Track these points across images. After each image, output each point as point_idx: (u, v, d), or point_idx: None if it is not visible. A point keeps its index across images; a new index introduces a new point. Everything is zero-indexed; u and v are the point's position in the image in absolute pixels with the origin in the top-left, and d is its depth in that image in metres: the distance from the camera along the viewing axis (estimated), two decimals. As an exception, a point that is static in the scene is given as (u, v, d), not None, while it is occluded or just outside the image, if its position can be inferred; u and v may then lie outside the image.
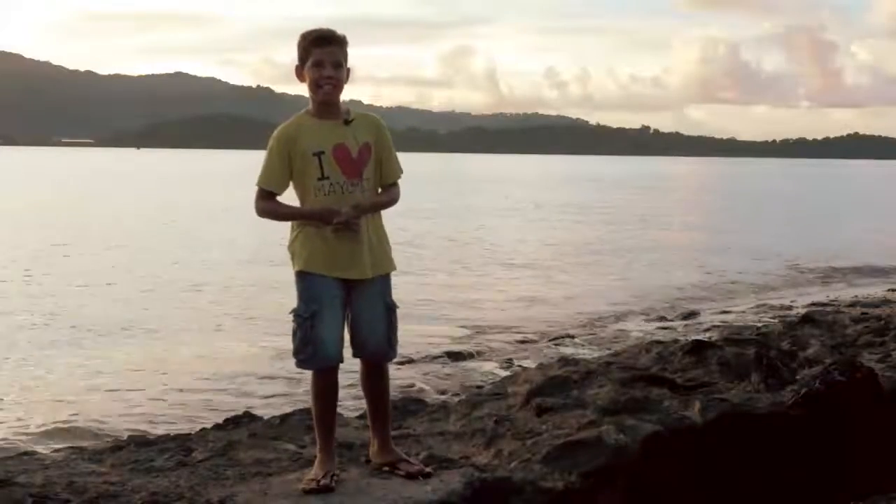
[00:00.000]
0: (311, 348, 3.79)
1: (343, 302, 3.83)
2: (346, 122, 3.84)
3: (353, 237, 3.77)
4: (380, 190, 3.95)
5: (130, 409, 8.31)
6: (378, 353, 3.94)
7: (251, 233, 21.49)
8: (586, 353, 9.83)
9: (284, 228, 3.96)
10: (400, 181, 4.01)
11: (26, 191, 47.04)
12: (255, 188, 3.87)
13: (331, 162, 3.78)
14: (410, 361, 9.93)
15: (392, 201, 3.95)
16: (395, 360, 4.12)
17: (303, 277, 3.82)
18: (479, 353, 10.80)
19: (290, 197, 3.96)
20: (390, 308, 3.91)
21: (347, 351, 3.93)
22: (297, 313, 3.83)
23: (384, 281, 3.92)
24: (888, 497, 4.67)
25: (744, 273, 18.55)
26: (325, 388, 3.87)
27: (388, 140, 3.95)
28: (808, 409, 4.68)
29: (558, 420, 4.56)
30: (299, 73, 3.84)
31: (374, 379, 3.99)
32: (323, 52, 3.77)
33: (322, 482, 3.76)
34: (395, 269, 3.98)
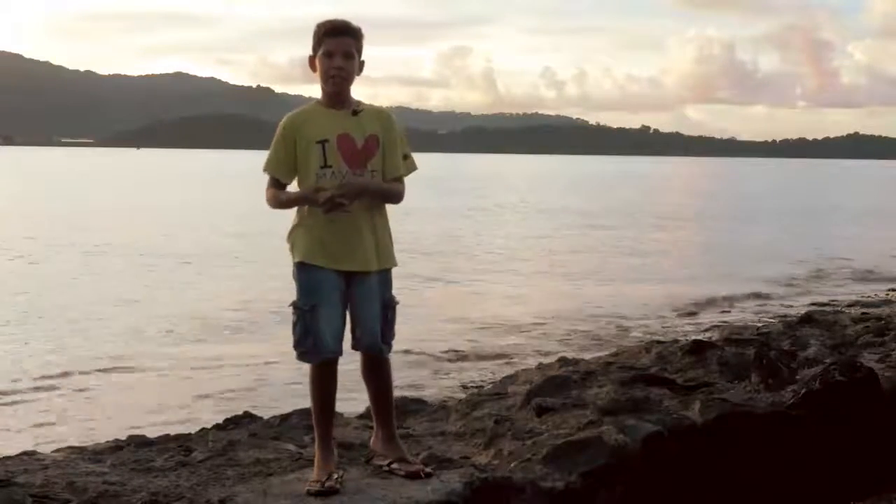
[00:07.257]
0: (311, 341, 3.76)
1: (343, 294, 3.79)
2: (355, 113, 3.82)
3: (346, 220, 3.73)
4: None
5: (130, 409, 8.30)
6: (372, 349, 3.89)
7: (245, 231, 21.47)
8: (586, 353, 9.82)
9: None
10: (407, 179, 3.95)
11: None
12: (266, 178, 3.83)
13: (334, 151, 3.76)
14: (411, 361, 9.93)
15: (393, 193, 3.88)
16: (390, 354, 4.02)
17: (302, 269, 3.79)
18: (479, 353, 10.80)
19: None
20: (387, 304, 3.87)
21: (347, 342, 3.90)
22: (296, 306, 3.80)
23: (384, 276, 3.88)
24: (888, 497, 4.68)
25: (744, 273, 18.54)
26: (324, 379, 3.83)
27: (396, 135, 3.89)
28: (808, 409, 4.68)
29: (558, 420, 4.55)
30: (311, 62, 3.83)
31: (374, 371, 3.95)
32: (334, 42, 3.75)
33: (327, 484, 3.70)
34: (396, 265, 3.94)
